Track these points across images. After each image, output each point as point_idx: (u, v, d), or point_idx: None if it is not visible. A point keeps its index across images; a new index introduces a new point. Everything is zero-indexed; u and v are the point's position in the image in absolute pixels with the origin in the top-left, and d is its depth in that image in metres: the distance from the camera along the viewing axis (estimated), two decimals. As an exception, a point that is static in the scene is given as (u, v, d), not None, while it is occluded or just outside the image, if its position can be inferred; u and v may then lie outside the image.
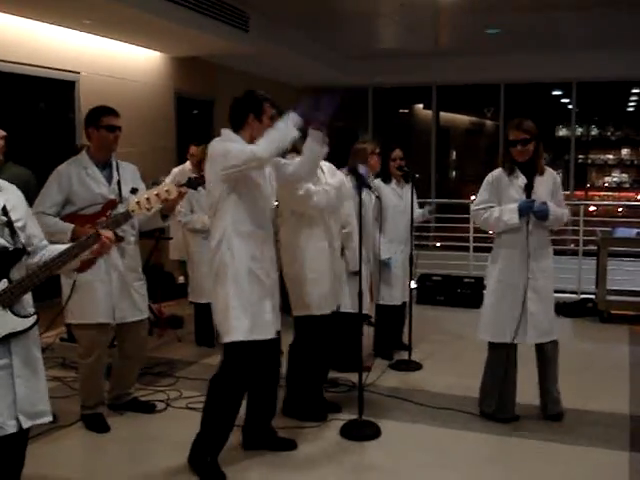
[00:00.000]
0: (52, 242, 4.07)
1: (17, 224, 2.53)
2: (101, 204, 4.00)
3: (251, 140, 3.52)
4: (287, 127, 3.39)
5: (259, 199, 3.55)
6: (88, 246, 2.65)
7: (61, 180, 4.01)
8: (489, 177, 4.23)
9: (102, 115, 4.07)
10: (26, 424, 2.52)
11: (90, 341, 4.09)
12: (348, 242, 4.68)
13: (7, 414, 2.48)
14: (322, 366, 4.39)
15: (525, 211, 4.02)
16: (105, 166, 4.13)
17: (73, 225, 3.93)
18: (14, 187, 2.64)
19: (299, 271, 4.09)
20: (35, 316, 2.55)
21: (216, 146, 3.49)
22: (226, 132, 3.58)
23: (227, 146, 3.44)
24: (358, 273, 4.60)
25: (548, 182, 4.16)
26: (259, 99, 3.57)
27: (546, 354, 4.24)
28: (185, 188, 4.03)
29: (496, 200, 4.17)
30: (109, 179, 4.11)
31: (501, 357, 4.19)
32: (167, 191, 2.68)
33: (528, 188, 4.06)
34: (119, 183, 4.11)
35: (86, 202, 3.99)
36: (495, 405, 4.25)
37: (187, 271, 6.22)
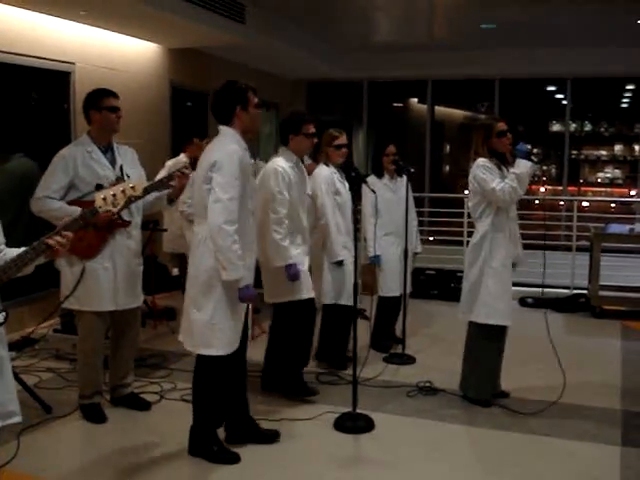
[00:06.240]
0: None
1: None
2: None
3: (243, 132, 3.52)
4: None
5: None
6: (41, 252, 2.37)
7: (67, 163, 3.93)
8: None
9: (102, 97, 4.02)
10: None
11: (89, 327, 4.08)
12: (326, 233, 4.87)
13: None
14: (301, 348, 4.53)
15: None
16: (107, 149, 4.08)
17: (80, 208, 3.77)
18: None
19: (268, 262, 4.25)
20: (2, 315, 2.29)
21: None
22: (226, 131, 3.52)
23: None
24: (340, 263, 4.76)
25: None
26: (242, 89, 3.51)
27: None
28: (190, 170, 4.03)
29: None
30: (112, 163, 4.06)
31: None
32: (132, 187, 2.56)
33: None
34: (122, 167, 4.07)
35: (91, 187, 3.91)
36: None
37: (183, 263, 6.20)
